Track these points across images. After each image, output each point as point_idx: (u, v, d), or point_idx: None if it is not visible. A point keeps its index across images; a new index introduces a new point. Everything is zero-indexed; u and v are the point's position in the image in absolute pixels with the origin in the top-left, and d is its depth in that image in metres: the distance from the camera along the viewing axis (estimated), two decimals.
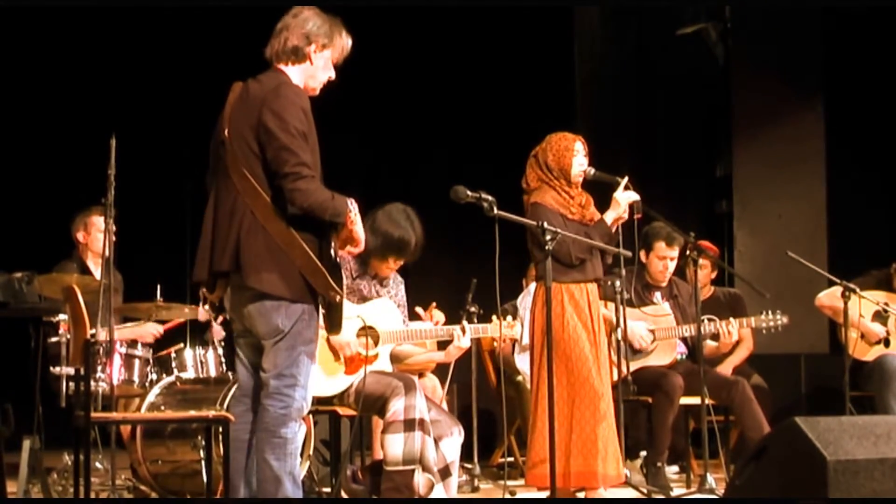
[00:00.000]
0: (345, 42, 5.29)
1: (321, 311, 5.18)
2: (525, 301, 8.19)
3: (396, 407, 6.26)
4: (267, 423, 5.08)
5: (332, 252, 5.08)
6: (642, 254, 7.83)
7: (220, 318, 7.01)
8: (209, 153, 5.26)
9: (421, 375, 7.17)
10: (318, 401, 6.45)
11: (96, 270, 7.91)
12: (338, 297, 5.07)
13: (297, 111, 5.03)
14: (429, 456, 6.26)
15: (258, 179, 5.02)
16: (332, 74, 5.30)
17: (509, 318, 6.89)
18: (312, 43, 5.20)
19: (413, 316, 6.98)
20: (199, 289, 5.28)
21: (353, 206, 5.09)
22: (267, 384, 5.09)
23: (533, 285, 7.14)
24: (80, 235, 8.03)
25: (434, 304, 7.11)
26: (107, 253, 6.93)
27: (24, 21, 9.99)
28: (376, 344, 6.59)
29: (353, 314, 6.52)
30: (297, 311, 5.05)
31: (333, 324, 5.22)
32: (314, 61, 5.22)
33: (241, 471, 5.20)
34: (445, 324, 6.95)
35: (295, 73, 5.20)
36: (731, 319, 7.66)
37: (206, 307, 5.35)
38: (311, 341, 5.13)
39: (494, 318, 6.79)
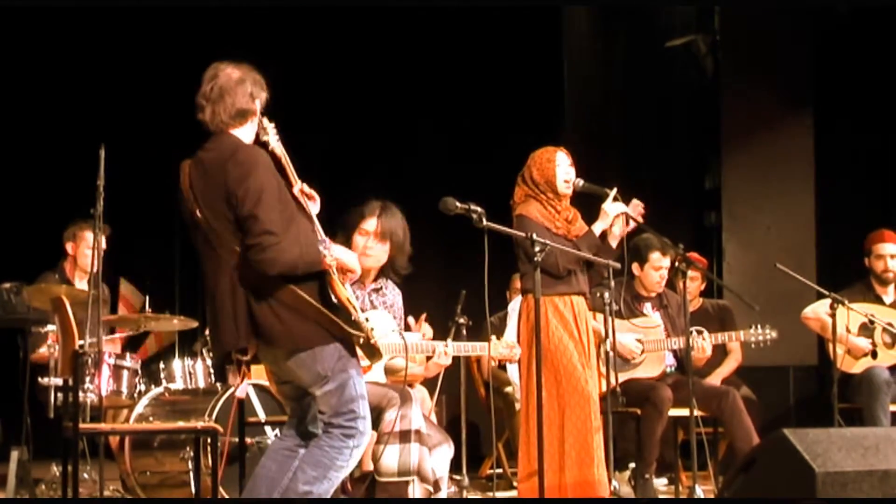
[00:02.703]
0: (266, 87, 5.27)
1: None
2: (515, 306, 8.18)
3: (391, 418, 6.26)
4: (323, 442, 5.09)
5: (334, 298, 5.02)
6: (635, 266, 7.84)
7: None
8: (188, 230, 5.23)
9: (410, 386, 7.16)
10: None
11: (79, 283, 7.90)
12: (360, 340, 5.09)
13: (261, 172, 4.99)
14: (426, 467, 6.25)
15: None
16: None
17: (505, 339, 6.88)
18: (257, 99, 5.19)
19: (404, 326, 6.97)
20: (225, 360, 5.25)
21: (325, 251, 5.05)
22: (330, 423, 5.11)
23: (520, 296, 7.14)
24: (69, 246, 8.02)
25: (425, 314, 7.10)
26: (95, 263, 6.91)
27: (13, 30, 9.98)
28: None
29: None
30: (334, 353, 5.06)
31: (371, 355, 5.22)
32: (257, 112, 5.20)
33: (267, 479, 5.16)
34: (434, 337, 6.94)
35: (244, 133, 5.18)
36: (706, 334, 7.65)
37: (242, 370, 5.31)
38: (357, 367, 5.14)
39: (494, 338, 6.77)
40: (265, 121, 5.20)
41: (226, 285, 5.05)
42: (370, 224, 6.68)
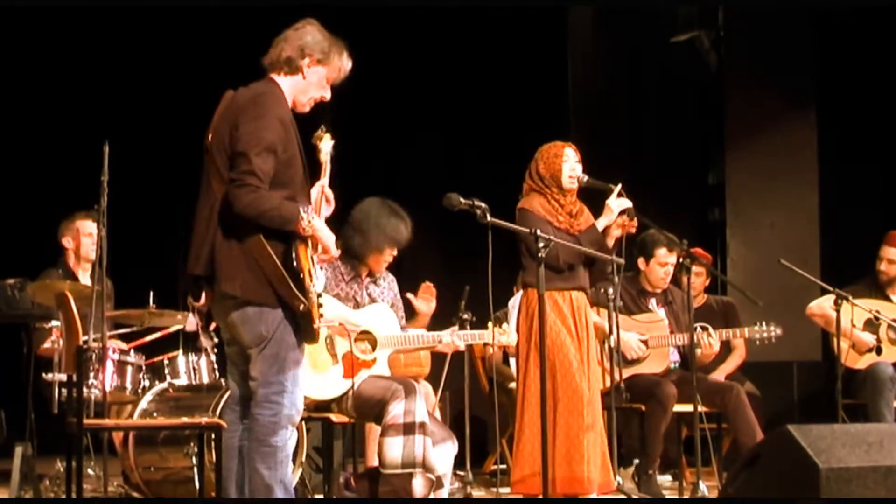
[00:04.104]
0: (343, 63, 5.27)
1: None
2: (515, 301, 8.20)
3: (396, 410, 6.27)
4: (257, 433, 5.07)
5: (294, 262, 5.00)
6: (641, 261, 7.85)
7: (213, 325, 7.00)
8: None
9: (415, 380, 7.18)
10: (314, 406, 6.45)
11: (83, 277, 7.90)
12: (301, 307, 5.01)
13: (271, 121, 5.01)
14: (431, 458, 6.26)
15: None
16: (327, 95, 5.28)
17: (504, 325, 6.91)
18: (306, 56, 5.19)
19: (407, 306, 6.99)
20: (186, 297, 5.27)
21: (305, 215, 5.01)
22: (255, 393, 5.08)
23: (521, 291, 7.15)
24: (66, 241, 8.01)
25: (429, 284, 7.11)
26: (100, 260, 6.90)
27: (17, 25, 9.97)
28: (374, 349, 6.60)
29: (350, 319, 6.55)
30: (278, 317, 5.03)
31: (305, 333, 5.13)
32: (307, 75, 5.21)
33: (233, 477, 5.19)
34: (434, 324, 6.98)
35: (286, 84, 5.19)
36: (711, 331, 7.66)
37: (195, 316, 5.37)
38: (296, 347, 5.10)
39: (490, 324, 6.80)
40: (326, 136, 5.23)
41: (205, 212, 5.08)
42: (404, 241, 6.77)
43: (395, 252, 6.82)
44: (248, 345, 5.10)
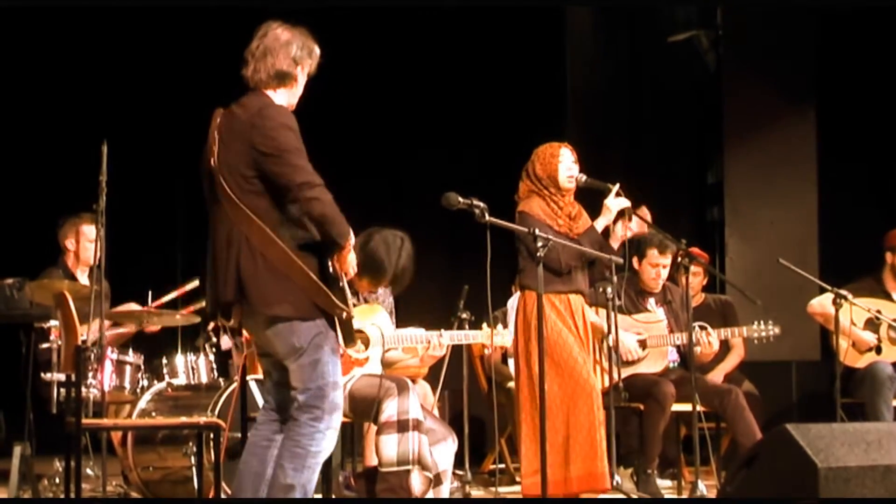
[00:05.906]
0: (317, 52, 5.29)
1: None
2: (514, 301, 8.20)
3: (390, 409, 6.28)
4: (293, 433, 5.08)
5: (332, 270, 5.06)
6: (635, 260, 7.85)
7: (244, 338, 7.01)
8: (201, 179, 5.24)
9: (412, 381, 7.18)
10: None
11: (82, 277, 7.90)
12: (344, 315, 5.07)
13: (285, 131, 5.02)
14: (426, 454, 6.27)
15: (251, 207, 5.00)
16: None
17: (499, 326, 6.90)
18: (299, 65, 5.20)
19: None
20: (215, 321, 5.27)
21: (351, 236, 5.08)
22: (296, 399, 5.10)
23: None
24: (68, 243, 8.00)
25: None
26: (98, 259, 6.90)
27: (15, 25, 9.97)
28: (367, 347, 6.60)
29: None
30: (312, 328, 5.05)
31: (347, 337, 5.20)
32: (299, 81, 5.23)
33: (251, 475, 5.17)
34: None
35: (280, 97, 5.18)
36: (710, 330, 7.65)
37: (228, 335, 5.40)
38: (334, 351, 5.12)
39: (485, 325, 6.79)
40: None
41: (222, 237, 5.07)
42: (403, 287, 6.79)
43: (373, 286, 6.81)
44: (283, 357, 5.13)
